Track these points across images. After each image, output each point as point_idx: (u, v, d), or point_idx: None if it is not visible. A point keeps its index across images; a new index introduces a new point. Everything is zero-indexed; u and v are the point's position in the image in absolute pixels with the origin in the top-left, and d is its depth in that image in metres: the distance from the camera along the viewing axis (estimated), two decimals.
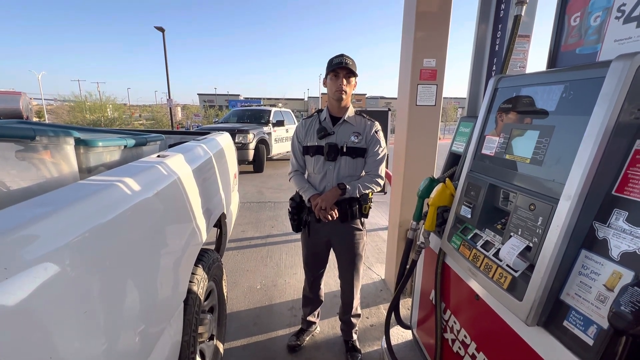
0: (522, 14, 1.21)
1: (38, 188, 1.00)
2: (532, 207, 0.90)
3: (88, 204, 0.75)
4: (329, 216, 1.64)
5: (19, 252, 0.57)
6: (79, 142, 1.21)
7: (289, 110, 10.86)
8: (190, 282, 1.29)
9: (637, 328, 0.57)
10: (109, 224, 0.77)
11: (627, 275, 0.67)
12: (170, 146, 1.86)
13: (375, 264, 3.15)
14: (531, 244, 0.88)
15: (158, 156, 1.27)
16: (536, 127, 0.95)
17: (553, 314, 0.80)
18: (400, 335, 1.86)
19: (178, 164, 1.28)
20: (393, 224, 2.62)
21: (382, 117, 4.78)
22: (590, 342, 0.70)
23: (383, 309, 2.43)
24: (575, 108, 0.84)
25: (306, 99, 59.96)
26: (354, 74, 1.66)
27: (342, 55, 1.62)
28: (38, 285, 0.56)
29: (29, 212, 0.65)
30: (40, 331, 0.57)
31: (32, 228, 0.61)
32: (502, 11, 1.42)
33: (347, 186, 1.66)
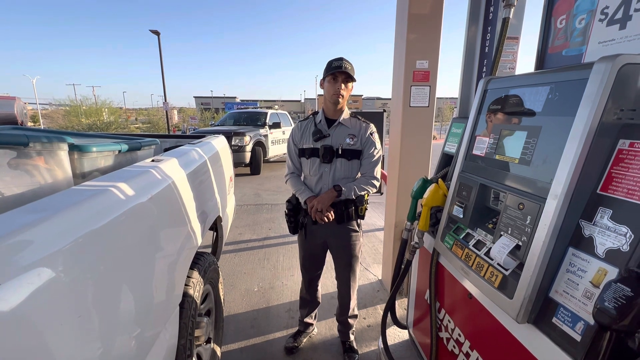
0: (511, 17, 1.23)
1: (32, 194, 1.00)
2: (521, 206, 0.91)
3: (82, 209, 0.76)
4: (325, 218, 1.65)
5: (13, 257, 0.57)
6: (72, 148, 1.22)
7: (286, 112, 10.87)
8: (185, 285, 1.29)
9: (621, 323, 0.58)
10: (103, 229, 0.78)
11: (612, 272, 0.68)
12: (166, 150, 1.87)
13: (372, 264, 3.16)
14: (520, 243, 0.89)
15: (152, 161, 1.28)
16: (524, 127, 0.97)
17: (542, 311, 0.82)
18: (397, 335, 1.87)
19: (172, 168, 1.28)
20: (389, 224, 2.64)
21: (377, 118, 4.79)
22: (578, 338, 0.71)
23: (380, 309, 2.44)
24: (561, 109, 0.86)
25: (302, 101, 60.05)
26: (352, 79, 1.67)
27: (341, 59, 1.63)
28: (32, 290, 0.57)
29: (23, 218, 0.65)
30: (35, 336, 0.58)
31: (26, 234, 0.61)
32: (491, 13, 1.44)
33: (343, 188, 1.67)
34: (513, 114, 1.05)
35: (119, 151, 1.52)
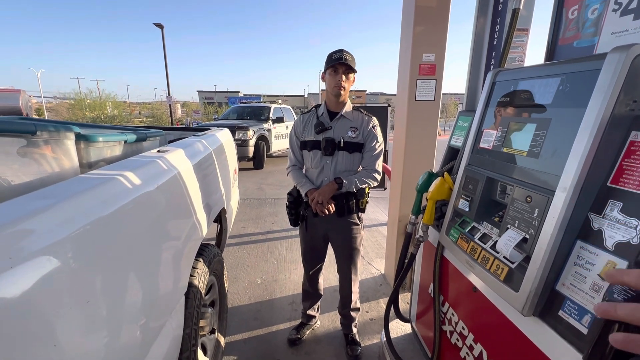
0: (521, 7, 1.21)
1: (39, 182, 1.01)
2: (528, 199, 0.90)
3: (88, 197, 0.76)
4: (326, 210, 1.65)
5: (20, 244, 0.57)
6: (79, 137, 1.22)
7: (289, 107, 10.84)
8: (191, 275, 1.30)
9: None
10: (109, 217, 0.78)
11: (621, 265, 0.67)
12: (170, 142, 1.87)
13: (375, 259, 3.17)
14: (527, 236, 0.89)
15: (158, 151, 1.28)
16: (533, 120, 0.96)
17: (548, 304, 0.81)
18: (399, 328, 1.87)
19: (178, 159, 1.29)
20: (392, 219, 2.63)
21: (381, 113, 4.76)
22: (585, 330, 0.71)
23: (383, 303, 2.45)
24: (572, 100, 0.84)
25: (306, 96, 59.78)
26: (353, 70, 1.66)
27: (341, 51, 1.62)
28: (38, 277, 0.57)
29: (30, 205, 0.65)
30: (41, 323, 0.58)
31: (33, 221, 0.62)
32: (500, 4, 1.42)
33: (344, 181, 1.67)
34: (522, 106, 1.03)
35: (125, 141, 1.52)
